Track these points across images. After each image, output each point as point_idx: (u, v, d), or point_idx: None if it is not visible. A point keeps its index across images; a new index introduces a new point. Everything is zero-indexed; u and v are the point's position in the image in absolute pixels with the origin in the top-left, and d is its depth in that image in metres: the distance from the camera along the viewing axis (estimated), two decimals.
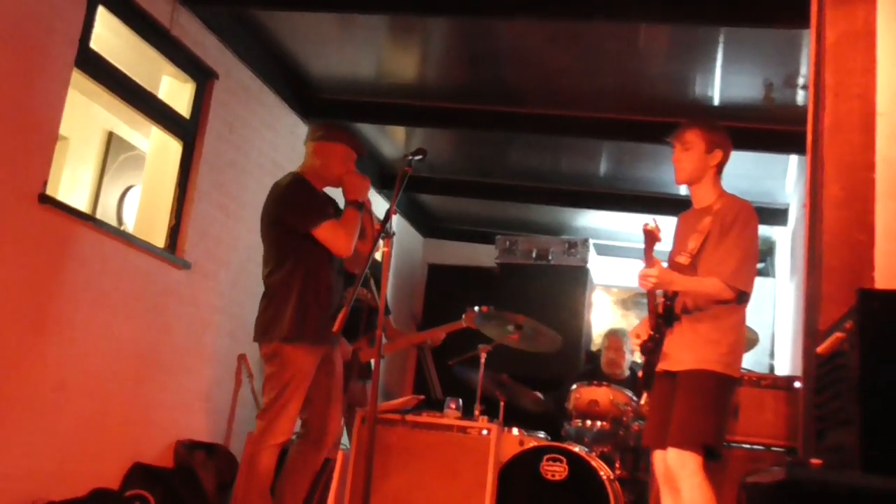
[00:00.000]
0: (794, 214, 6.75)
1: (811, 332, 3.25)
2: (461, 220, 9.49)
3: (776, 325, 7.78)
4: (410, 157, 3.66)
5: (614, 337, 6.25)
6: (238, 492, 4.39)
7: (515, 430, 4.70)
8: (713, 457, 3.42)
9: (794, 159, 6.44)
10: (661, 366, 3.61)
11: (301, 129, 6.51)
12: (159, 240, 5.17)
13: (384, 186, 7.77)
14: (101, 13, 4.54)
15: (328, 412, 4.09)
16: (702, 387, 3.44)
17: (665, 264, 3.61)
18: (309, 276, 3.99)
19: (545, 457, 4.48)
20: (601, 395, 5.05)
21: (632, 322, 8.86)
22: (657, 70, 5.55)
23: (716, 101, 5.78)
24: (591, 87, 5.87)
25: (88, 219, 4.69)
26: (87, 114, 6.35)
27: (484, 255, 8.73)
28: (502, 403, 4.95)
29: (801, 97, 5.46)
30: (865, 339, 2.47)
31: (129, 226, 6.26)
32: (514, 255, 8.19)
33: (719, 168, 3.69)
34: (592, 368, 6.44)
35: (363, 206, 4.13)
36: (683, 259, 3.57)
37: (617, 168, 7.35)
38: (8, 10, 3.93)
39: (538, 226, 8.90)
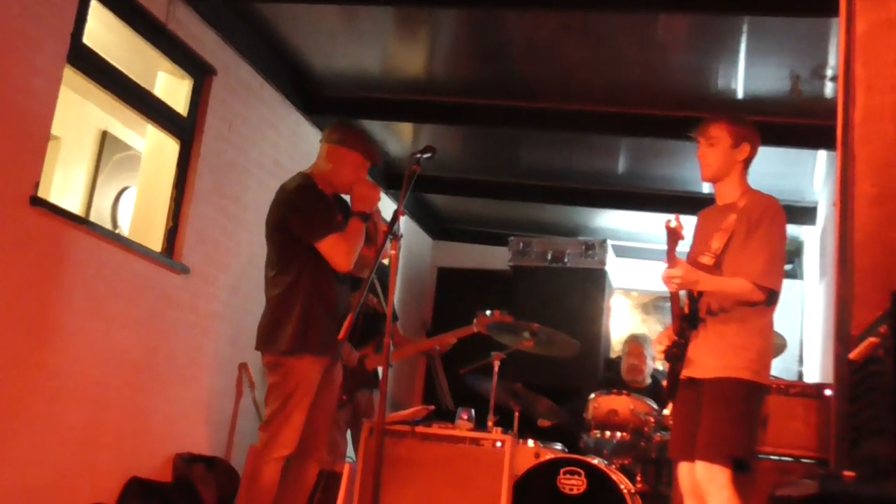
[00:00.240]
0: (822, 213, 6.73)
1: (842, 337, 3.22)
2: (472, 220, 9.49)
3: (805, 329, 7.75)
4: (418, 156, 3.66)
5: (635, 342, 6.24)
6: None
7: (531, 442, 4.69)
8: (743, 469, 3.40)
9: (822, 155, 6.41)
10: (686, 373, 3.59)
11: (304, 126, 6.52)
12: (156, 244, 5.18)
13: (391, 186, 7.78)
14: (94, 7, 4.55)
15: (319, 425, 4.09)
16: (730, 395, 3.42)
17: None
18: (314, 283, 3.99)
19: (562, 470, 4.47)
20: (621, 404, 5.04)
21: (653, 327, 8.85)
22: (677, 62, 5.54)
23: (739, 95, 5.76)
24: (608, 81, 5.86)
25: (82, 222, 4.70)
26: (80, 112, 6.37)
27: (496, 258, 8.72)
28: (517, 414, 4.94)
29: (829, 89, 5.43)
30: None
31: (125, 229, 6.28)
32: (528, 257, 8.18)
33: (746, 163, 3.68)
34: (612, 376, 6.43)
35: (370, 218, 4.13)
36: (707, 259, 3.55)
37: (636, 165, 7.34)
38: None
39: (553, 226, 8.89)
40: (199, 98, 5.45)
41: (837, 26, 3.66)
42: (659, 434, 4.84)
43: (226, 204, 5.70)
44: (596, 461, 4.53)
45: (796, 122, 5.84)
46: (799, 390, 4.17)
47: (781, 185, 6.75)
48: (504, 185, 8.04)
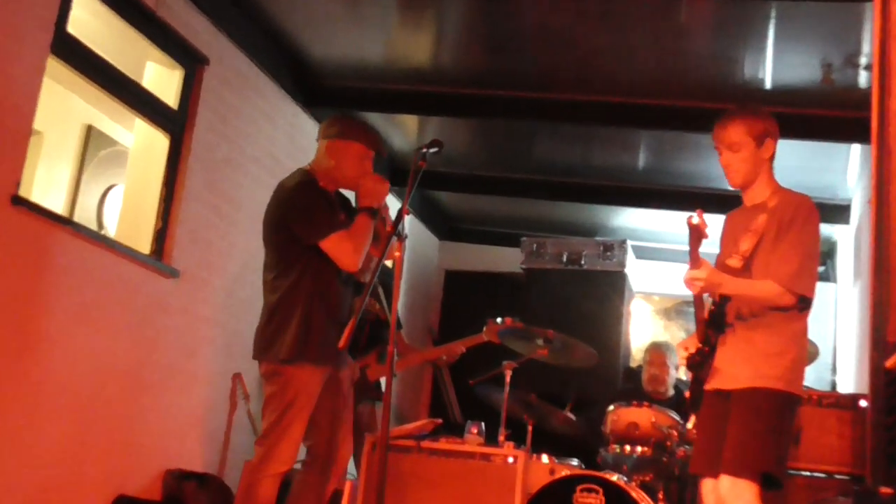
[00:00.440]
0: (857, 211, 6.72)
1: (879, 344, 3.22)
2: (481, 220, 9.49)
3: (838, 336, 7.74)
4: (424, 150, 3.66)
5: (657, 351, 6.23)
6: None
7: (545, 458, 4.69)
8: (773, 486, 3.39)
9: (856, 149, 6.40)
10: (712, 384, 3.57)
11: (302, 119, 6.54)
12: (144, 245, 5.20)
13: (395, 183, 7.67)
14: None
15: (335, 437, 4.09)
16: (761, 407, 3.40)
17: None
18: (315, 287, 3.99)
19: (579, 487, 4.46)
20: (642, 416, 5.03)
21: (675, 334, 8.84)
22: (701, 50, 5.54)
23: (767, 85, 5.76)
24: (628, 70, 5.86)
25: (66, 223, 4.71)
26: (63, 105, 6.39)
27: (507, 260, 8.73)
28: (530, 427, 4.94)
29: (863, 79, 5.43)
30: None
31: (111, 230, 6.30)
32: (542, 259, 8.18)
33: (772, 158, 3.67)
34: (632, 387, 6.43)
35: (377, 213, 4.12)
36: (735, 262, 3.53)
37: (657, 160, 7.34)
38: None
39: (569, 226, 8.89)
40: (190, 89, 5.46)
41: (872, 11, 3.65)
42: (682, 448, 4.84)
43: (219, 202, 5.71)
44: (615, 478, 4.53)
45: (828, 113, 5.84)
46: (832, 401, 4.17)
47: (812, 182, 6.72)
48: (516, 181, 8.05)
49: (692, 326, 3.73)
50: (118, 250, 4.90)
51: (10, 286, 4.20)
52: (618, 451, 5.04)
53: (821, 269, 7.97)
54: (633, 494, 4.44)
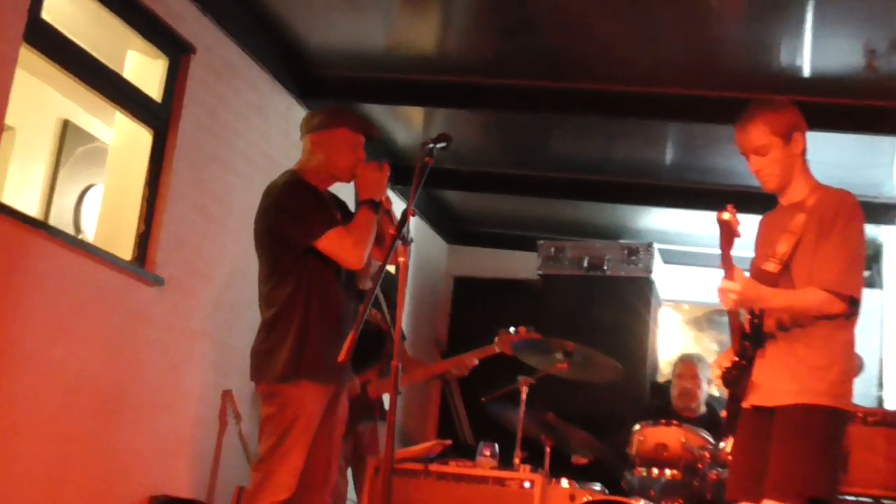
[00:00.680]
0: None
1: None
2: (494, 222, 9.50)
3: (885, 347, 7.72)
4: (431, 146, 3.66)
5: (688, 363, 6.23)
6: None
7: (565, 482, 4.69)
8: None
9: None
10: (751, 400, 3.56)
11: (296, 112, 6.53)
12: (126, 251, 5.20)
13: (398, 182, 7.76)
14: None
15: (331, 456, 4.08)
16: (810, 426, 3.39)
17: (747, 274, 3.54)
18: (314, 297, 3.97)
19: None
20: (671, 436, 5.03)
21: (707, 346, 8.83)
22: (733, 35, 5.53)
23: (806, 73, 5.74)
24: (652, 57, 5.86)
25: (40, 226, 4.72)
26: (37, 98, 6.40)
27: (523, 265, 8.74)
28: (548, 449, 4.94)
29: None
30: None
31: (90, 234, 6.30)
32: (561, 264, 8.18)
33: (804, 152, 3.65)
34: (660, 404, 6.42)
35: (380, 206, 4.10)
36: (772, 266, 3.52)
37: (685, 155, 7.34)
38: None
39: (590, 228, 8.89)
40: (175, 81, 5.46)
41: None
42: (715, 471, 4.83)
43: (207, 203, 5.72)
44: (641, 503, 4.52)
45: (872, 104, 5.82)
46: (879, 419, 4.17)
47: (855, 178, 6.68)
48: (531, 179, 8.05)
49: (726, 337, 3.72)
50: (97, 256, 4.90)
51: None
52: (644, 474, 5.04)
53: (866, 273, 7.96)
54: None
